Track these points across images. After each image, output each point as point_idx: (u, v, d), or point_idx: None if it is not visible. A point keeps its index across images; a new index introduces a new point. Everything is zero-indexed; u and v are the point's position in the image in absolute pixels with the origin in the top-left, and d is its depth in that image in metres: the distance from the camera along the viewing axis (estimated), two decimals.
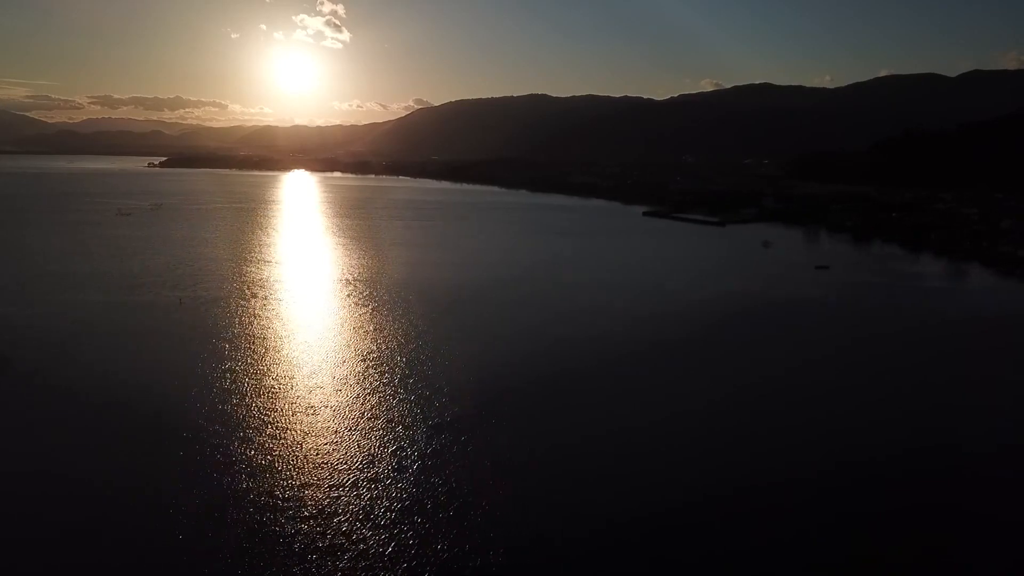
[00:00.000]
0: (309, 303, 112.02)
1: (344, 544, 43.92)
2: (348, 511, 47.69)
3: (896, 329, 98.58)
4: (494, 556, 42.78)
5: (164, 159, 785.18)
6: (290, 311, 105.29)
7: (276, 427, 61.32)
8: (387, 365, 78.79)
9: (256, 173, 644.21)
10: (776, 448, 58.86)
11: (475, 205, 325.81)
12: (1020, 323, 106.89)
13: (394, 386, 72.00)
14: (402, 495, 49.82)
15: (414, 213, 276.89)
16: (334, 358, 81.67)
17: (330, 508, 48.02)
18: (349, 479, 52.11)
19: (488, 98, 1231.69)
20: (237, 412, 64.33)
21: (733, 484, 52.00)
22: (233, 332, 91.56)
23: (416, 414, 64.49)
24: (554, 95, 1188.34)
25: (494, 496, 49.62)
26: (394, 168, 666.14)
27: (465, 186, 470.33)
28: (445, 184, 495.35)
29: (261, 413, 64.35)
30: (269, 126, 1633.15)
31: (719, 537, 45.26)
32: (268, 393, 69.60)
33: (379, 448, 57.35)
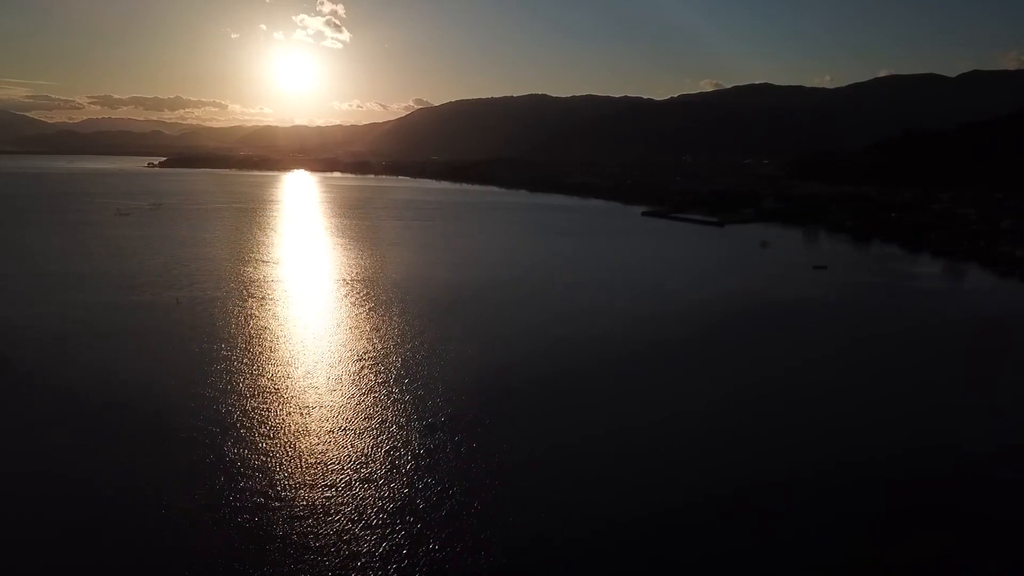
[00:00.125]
0: (308, 303, 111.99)
1: (342, 544, 43.95)
2: (343, 511, 47.73)
3: (896, 329, 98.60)
4: (494, 556, 42.77)
5: (164, 159, 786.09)
6: (289, 311, 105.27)
7: (274, 427, 61.37)
8: (385, 365, 78.73)
9: (256, 173, 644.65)
10: (776, 448, 58.88)
11: (475, 205, 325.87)
12: (1020, 323, 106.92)
13: (389, 385, 71.99)
14: (396, 495, 49.84)
15: (414, 213, 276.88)
16: (333, 358, 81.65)
17: (323, 508, 48.05)
18: (343, 479, 52.13)
19: (488, 98, 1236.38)
20: (235, 412, 64.37)
21: (733, 484, 52.01)
22: (232, 332, 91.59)
23: (412, 414, 64.49)
24: (554, 95, 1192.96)
25: (494, 496, 49.63)
26: (394, 168, 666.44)
27: (465, 186, 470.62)
28: (445, 184, 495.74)
29: (258, 413, 64.38)
30: (269, 126, 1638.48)
31: (719, 537, 45.26)
32: (266, 393, 69.64)
33: (376, 448, 57.36)
